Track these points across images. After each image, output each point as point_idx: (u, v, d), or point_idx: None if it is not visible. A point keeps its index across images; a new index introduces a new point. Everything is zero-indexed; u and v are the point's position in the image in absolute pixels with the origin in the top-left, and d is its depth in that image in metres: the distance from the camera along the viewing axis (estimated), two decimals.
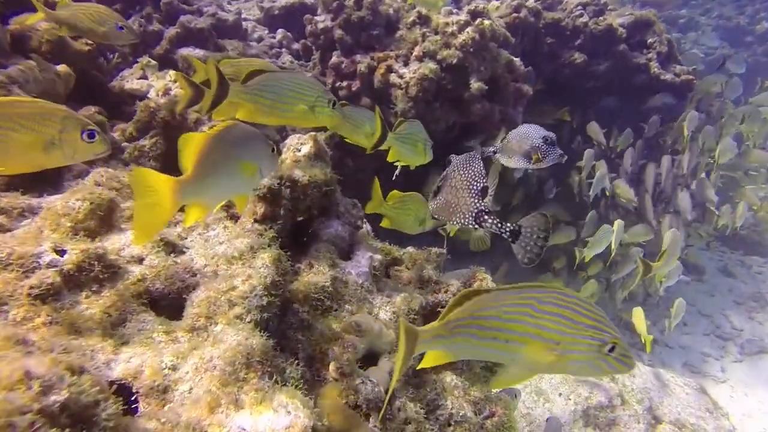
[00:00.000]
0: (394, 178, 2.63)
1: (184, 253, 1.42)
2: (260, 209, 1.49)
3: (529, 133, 1.96)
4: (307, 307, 1.41)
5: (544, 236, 1.43)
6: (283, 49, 4.41)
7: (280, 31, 4.49)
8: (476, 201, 1.49)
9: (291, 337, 1.35)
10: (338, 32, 3.65)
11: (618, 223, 3.94)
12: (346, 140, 2.31)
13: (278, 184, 1.49)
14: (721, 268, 6.74)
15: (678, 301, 4.54)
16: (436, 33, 3.46)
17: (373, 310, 1.59)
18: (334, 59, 3.70)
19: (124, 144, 2.26)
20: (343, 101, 1.89)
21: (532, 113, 4.58)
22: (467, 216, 1.48)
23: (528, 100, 3.73)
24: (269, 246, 1.40)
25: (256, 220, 1.48)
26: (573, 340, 0.93)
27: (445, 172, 1.62)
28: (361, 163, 3.69)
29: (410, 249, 2.27)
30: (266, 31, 4.70)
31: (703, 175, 5.14)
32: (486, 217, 1.46)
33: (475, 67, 3.34)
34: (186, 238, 1.49)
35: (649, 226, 4.64)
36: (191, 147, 1.15)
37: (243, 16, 4.74)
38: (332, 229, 1.65)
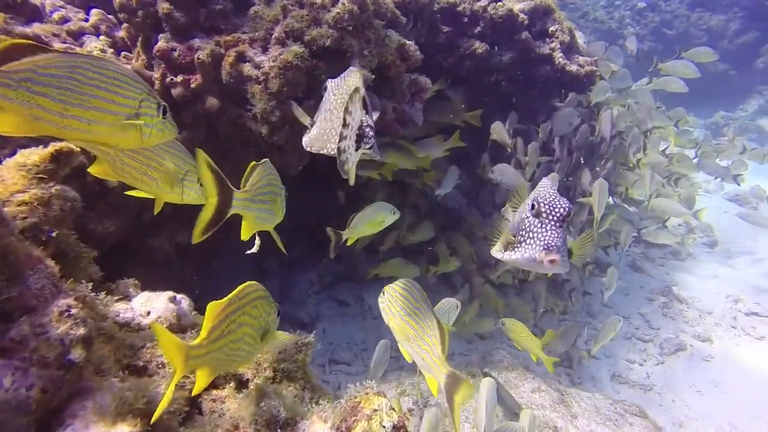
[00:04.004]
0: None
1: None
2: None
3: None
4: None
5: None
6: (101, 36, 3.19)
7: (95, 11, 3.25)
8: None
9: None
10: (164, 6, 2.58)
11: (600, 183, 3.60)
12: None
13: None
14: (629, 264, 6.68)
15: (611, 320, 4.32)
16: (302, 6, 2.55)
17: None
18: (161, 44, 2.62)
19: None
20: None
21: (433, 111, 3.87)
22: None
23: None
24: None
25: None
26: None
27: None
28: None
29: None
30: (81, 14, 3.43)
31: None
32: (368, 131, 1.27)
33: (357, 51, 2.49)
34: None
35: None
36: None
37: None
38: None
